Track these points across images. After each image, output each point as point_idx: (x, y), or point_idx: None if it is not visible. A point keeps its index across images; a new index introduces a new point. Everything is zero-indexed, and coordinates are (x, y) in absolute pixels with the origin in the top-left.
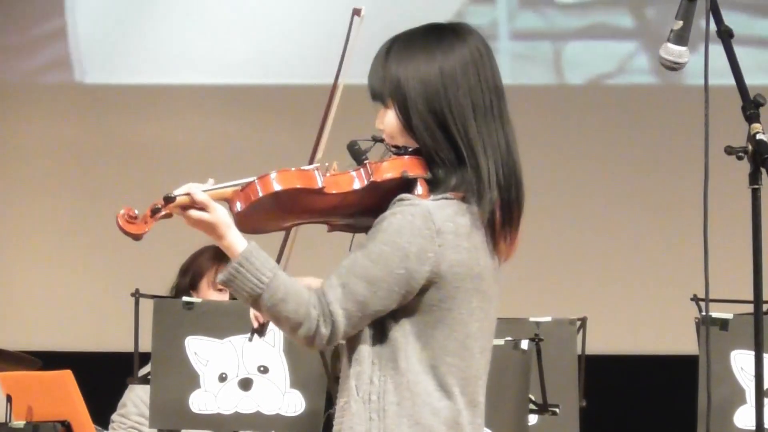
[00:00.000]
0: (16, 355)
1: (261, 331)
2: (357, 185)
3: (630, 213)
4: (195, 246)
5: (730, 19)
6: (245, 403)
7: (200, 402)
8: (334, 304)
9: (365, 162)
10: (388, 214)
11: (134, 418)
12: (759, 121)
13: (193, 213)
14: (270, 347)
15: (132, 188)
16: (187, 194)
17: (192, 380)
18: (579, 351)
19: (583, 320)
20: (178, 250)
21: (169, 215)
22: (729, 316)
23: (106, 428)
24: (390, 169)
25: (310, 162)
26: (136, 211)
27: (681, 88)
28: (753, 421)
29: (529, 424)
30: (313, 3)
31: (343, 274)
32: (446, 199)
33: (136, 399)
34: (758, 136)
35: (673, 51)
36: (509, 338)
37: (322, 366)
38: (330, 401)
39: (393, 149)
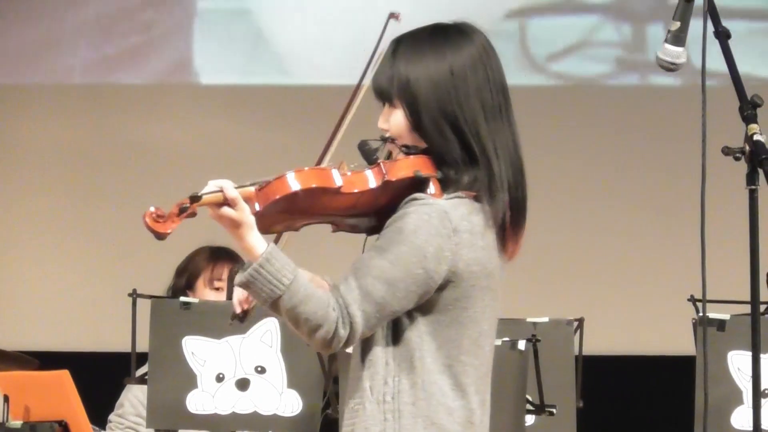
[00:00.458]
0: (13, 354)
1: (243, 317)
2: (373, 184)
3: (627, 214)
4: (192, 246)
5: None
6: (242, 404)
7: (197, 402)
8: (353, 306)
9: (379, 161)
10: (402, 214)
11: (131, 418)
12: (756, 122)
13: (225, 209)
14: (267, 347)
15: (130, 188)
16: (220, 190)
17: (189, 380)
18: (576, 351)
19: (581, 321)
20: (175, 250)
21: (194, 214)
22: (726, 316)
23: (104, 428)
24: (403, 169)
25: (319, 162)
26: (163, 210)
27: (678, 89)
28: (750, 421)
29: (526, 424)
30: (315, 3)
31: (361, 276)
32: (459, 198)
33: (133, 399)
34: (755, 137)
35: (670, 52)
36: (506, 339)
37: (320, 366)
38: (327, 401)
39: (404, 149)
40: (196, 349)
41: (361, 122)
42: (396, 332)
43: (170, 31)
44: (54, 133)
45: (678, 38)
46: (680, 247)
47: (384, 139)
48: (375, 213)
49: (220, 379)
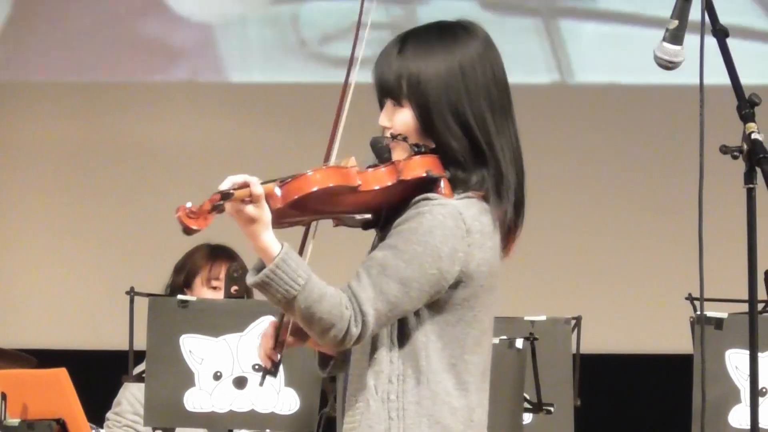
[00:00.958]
0: (11, 353)
1: (274, 371)
2: (388, 183)
3: (625, 212)
4: (190, 244)
5: None
6: (240, 402)
7: (195, 400)
8: (366, 304)
9: (394, 160)
10: (415, 214)
11: (129, 416)
12: (754, 121)
13: (247, 207)
14: None
15: (128, 186)
16: (247, 185)
17: (187, 378)
18: (574, 350)
19: (578, 319)
20: (173, 247)
21: (223, 210)
22: (724, 315)
23: (101, 426)
24: (416, 168)
25: (327, 157)
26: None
27: (676, 88)
28: (748, 420)
29: (524, 423)
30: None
31: (374, 274)
32: (468, 198)
33: (130, 397)
34: (753, 136)
35: (668, 50)
36: (504, 337)
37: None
38: (324, 400)
39: (414, 148)
40: (193, 347)
41: (360, 117)
42: (402, 330)
43: (168, 29)
44: (52, 132)
45: (676, 37)
46: (678, 246)
47: (394, 137)
48: (384, 210)
49: (217, 377)
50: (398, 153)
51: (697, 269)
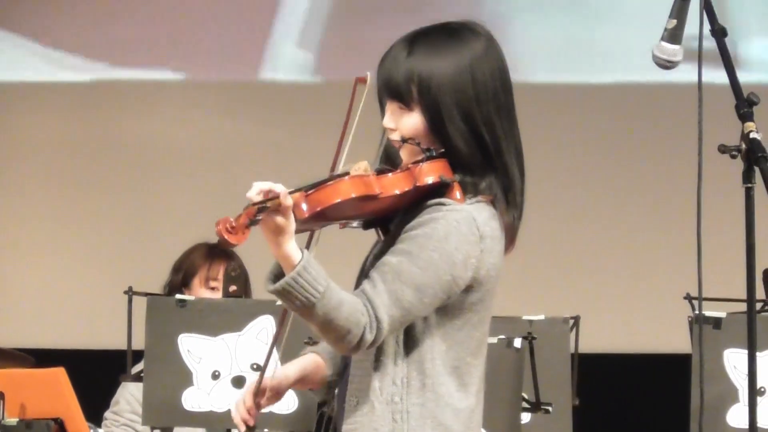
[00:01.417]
0: (9, 352)
1: None
2: (405, 188)
3: (623, 211)
4: (188, 243)
5: None
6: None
7: (193, 399)
8: (381, 311)
9: (409, 165)
10: (429, 219)
11: (127, 415)
12: (752, 120)
13: (276, 216)
14: (263, 345)
15: (127, 186)
16: (278, 196)
17: (185, 378)
18: (572, 349)
19: (577, 319)
20: (171, 247)
21: (258, 223)
22: (722, 314)
23: (99, 426)
24: (430, 173)
25: (335, 162)
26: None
27: (674, 87)
28: (746, 419)
29: (522, 422)
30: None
31: (390, 280)
32: (479, 202)
33: (129, 396)
34: (751, 135)
35: (667, 50)
36: (502, 336)
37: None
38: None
39: (427, 152)
40: (191, 346)
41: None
42: (408, 333)
43: (167, 28)
44: (50, 130)
45: (674, 36)
46: (676, 245)
47: (404, 140)
48: (395, 214)
49: (215, 376)
50: (406, 157)
51: (696, 269)
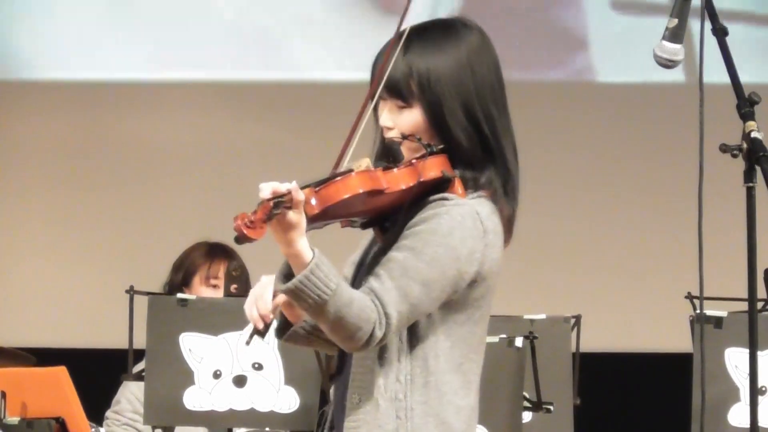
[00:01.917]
0: (10, 351)
1: (264, 333)
2: (410, 184)
3: (625, 210)
4: (189, 242)
5: None
6: (239, 400)
7: (194, 399)
8: (390, 307)
9: (413, 161)
10: (433, 215)
11: (128, 414)
12: (754, 119)
13: (290, 213)
14: (264, 344)
15: (127, 185)
16: (289, 192)
17: (186, 377)
18: (573, 348)
19: (578, 318)
20: (172, 246)
21: (273, 218)
22: (723, 314)
23: (101, 425)
24: (433, 168)
25: (340, 160)
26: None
27: (676, 86)
28: (747, 419)
29: (523, 421)
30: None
31: (397, 276)
32: (480, 197)
33: (130, 396)
34: (753, 134)
35: (668, 49)
36: (503, 335)
37: (317, 363)
38: (324, 399)
39: (428, 148)
40: (193, 345)
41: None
42: (411, 330)
43: (166, 27)
44: (51, 130)
45: (676, 35)
46: (678, 245)
47: (405, 137)
48: (395, 211)
49: (217, 375)
50: (407, 154)
51: (697, 268)
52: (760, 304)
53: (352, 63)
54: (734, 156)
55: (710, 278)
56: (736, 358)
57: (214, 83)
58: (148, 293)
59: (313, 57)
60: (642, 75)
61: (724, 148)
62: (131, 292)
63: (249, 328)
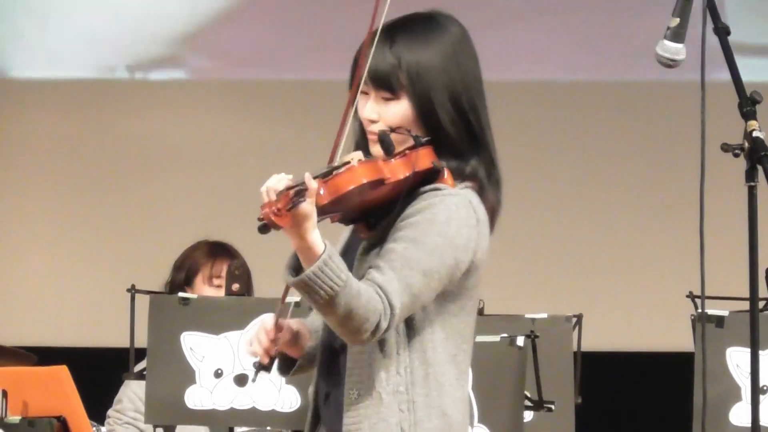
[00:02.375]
0: (12, 350)
1: (269, 366)
2: (407, 174)
3: (626, 210)
4: (191, 241)
5: None
6: (241, 399)
7: (196, 398)
8: (394, 298)
9: (406, 152)
10: (428, 205)
11: (130, 413)
12: (755, 119)
13: (304, 204)
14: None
15: (129, 184)
16: (303, 182)
17: (188, 376)
18: (575, 347)
19: (579, 317)
20: (173, 244)
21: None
22: (725, 313)
23: (102, 424)
24: (424, 159)
25: (333, 154)
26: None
27: (677, 85)
28: (749, 418)
29: (525, 420)
30: None
31: (398, 267)
32: (467, 187)
33: (131, 395)
34: (755, 134)
35: (669, 48)
36: (505, 335)
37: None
38: None
39: (418, 139)
40: (194, 344)
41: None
42: (407, 322)
43: (166, 25)
44: (52, 129)
45: (677, 35)
46: (679, 244)
47: (393, 129)
48: (391, 202)
49: (218, 374)
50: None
51: (698, 267)
52: (761, 304)
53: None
54: (736, 155)
55: (712, 277)
56: (737, 358)
57: (215, 82)
58: (149, 292)
59: (312, 55)
60: (643, 73)
61: (726, 147)
62: (133, 291)
63: (251, 364)
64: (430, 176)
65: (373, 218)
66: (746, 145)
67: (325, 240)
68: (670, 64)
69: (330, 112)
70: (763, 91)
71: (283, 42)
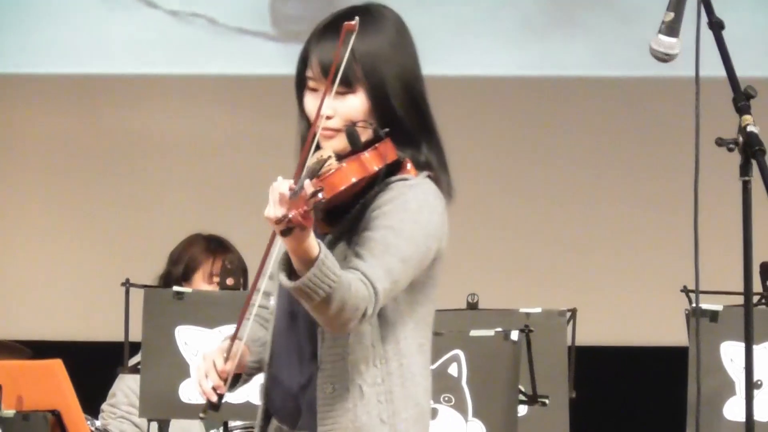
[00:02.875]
0: (6, 344)
1: (218, 404)
2: (380, 167)
3: (620, 204)
4: (184, 235)
5: None
6: (235, 393)
7: (190, 391)
8: (377, 283)
9: (376, 145)
10: (398, 194)
11: (124, 407)
12: (750, 113)
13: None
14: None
15: (123, 178)
16: (308, 186)
17: (182, 370)
18: (569, 342)
19: (573, 311)
20: (168, 239)
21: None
22: (719, 307)
23: (96, 418)
24: (390, 151)
25: (306, 154)
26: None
27: (671, 80)
28: (743, 412)
29: (519, 415)
30: None
31: (378, 255)
32: (427, 176)
33: (126, 388)
34: (749, 128)
35: (664, 42)
36: (499, 329)
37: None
38: None
39: (381, 133)
40: (189, 338)
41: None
42: (380, 314)
43: (159, 20)
44: (46, 123)
45: (672, 29)
46: (673, 238)
47: (355, 124)
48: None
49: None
50: (342, 144)
51: (692, 261)
52: (755, 298)
53: None
54: (730, 150)
55: (706, 272)
56: (731, 352)
57: (209, 76)
58: (144, 286)
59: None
60: (638, 68)
61: (720, 142)
62: (127, 285)
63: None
64: (394, 168)
65: (332, 213)
66: (740, 139)
67: (319, 240)
68: (664, 58)
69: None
70: (758, 85)
71: (279, 37)
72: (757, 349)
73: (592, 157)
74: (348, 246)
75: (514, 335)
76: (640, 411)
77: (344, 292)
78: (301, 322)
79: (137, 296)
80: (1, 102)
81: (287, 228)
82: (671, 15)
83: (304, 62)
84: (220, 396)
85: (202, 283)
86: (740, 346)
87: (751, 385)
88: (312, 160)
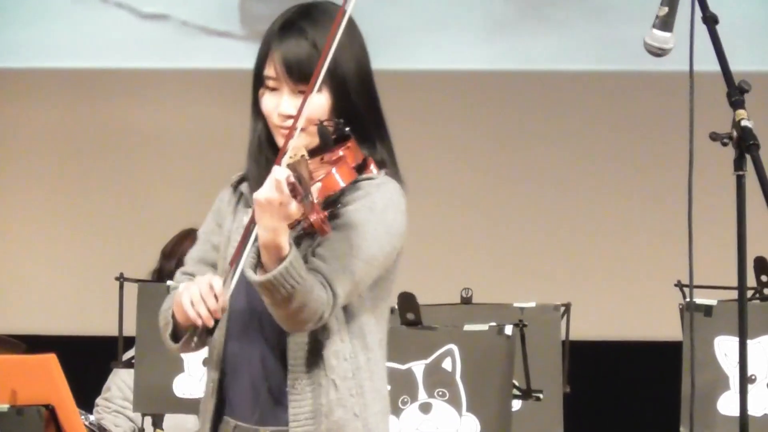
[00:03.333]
0: (0, 338)
1: (213, 330)
2: (352, 166)
3: (614, 199)
4: (178, 229)
5: None
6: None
7: (184, 386)
8: (337, 286)
9: (348, 144)
10: (365, 194)
11: (118, 402)
12: (744, 108)
13: (293, 203)
14: None
15: (117, 173)
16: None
17: (176, 364)
18: (563, 336)
19: (568, 306)
20: (162, 234)
21: None
22: (713, 302)
23: (91, 412)
24: (358, 149)
25: (283, 151)
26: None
27: (665, 74)
28: (737, 407)
29: (513, 409)
30: None
31: (340, 256)
32: (387, 174)
33: (120, 383)
34: (743, 123)
35: (658, 37)
36: (493, 323)
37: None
38: None
39: (343, 130)
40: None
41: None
42: (345, 309)
43: (156, 16)
44: (39, 119)
45: (666, 23)
46: (667, 233)
47: (322, 122)
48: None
49: (206, 363)
50: (309, 139)
51: (687, 256)
52: (749, 293)
53: None
54: (724, 144)
55: (700, 267)
56: (725, 347)
57: (203, 71)
58: (138, 280)
59: None
60: (631, 63)
61: (714, 137)
62: (121, 279)
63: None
64: (359, 166)
65: None
66: (735, 134)
67: (289, 239)
68: (658, 53)
69: None
70: (751, 80)
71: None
72: (751, 344)
73: (585, 152)
74: (312, 243)
75: (508, 330)
76: (634, 406)
77: (306, 294)
78: (265, 318)
79: (131, 291)
80: None
81: (308, 234)
82: (665, 9)
83: (262, 61)
84: (217, 321)
85: None
86: (734, 341)
87: (745, 380)
88: (290, 159)
